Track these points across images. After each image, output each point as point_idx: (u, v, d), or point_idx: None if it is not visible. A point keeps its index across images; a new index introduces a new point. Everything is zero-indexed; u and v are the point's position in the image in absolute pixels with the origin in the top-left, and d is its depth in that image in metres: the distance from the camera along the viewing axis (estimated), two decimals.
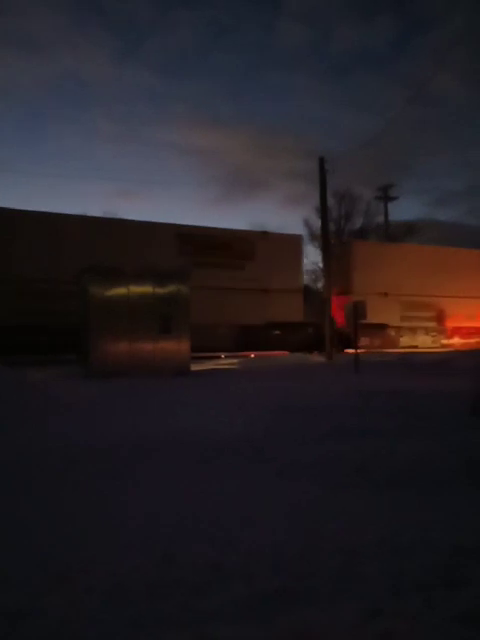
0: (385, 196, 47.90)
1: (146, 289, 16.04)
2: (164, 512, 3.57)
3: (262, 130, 77.74)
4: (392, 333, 30.86)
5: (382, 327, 30.15)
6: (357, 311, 17.19)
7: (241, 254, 27.85)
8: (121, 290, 15.77)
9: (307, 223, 48.28)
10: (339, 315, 30.58)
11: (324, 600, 2.40)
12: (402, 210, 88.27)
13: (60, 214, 24.49)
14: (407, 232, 47.00)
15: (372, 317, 29.86)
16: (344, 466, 4.71)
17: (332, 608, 2.33)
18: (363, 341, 29.16)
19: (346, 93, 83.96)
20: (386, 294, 29.98)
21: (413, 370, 15.63)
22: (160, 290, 16.17)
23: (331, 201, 35.73)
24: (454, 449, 5.35)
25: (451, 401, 8.80)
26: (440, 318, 32.05)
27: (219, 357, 23.53)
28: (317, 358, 22.43)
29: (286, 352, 25.57)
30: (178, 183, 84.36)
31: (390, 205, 48.32)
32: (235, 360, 22.41)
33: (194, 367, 16.46)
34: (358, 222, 48.13)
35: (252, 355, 25.01)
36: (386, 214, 48.23)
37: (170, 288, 16.31)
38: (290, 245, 28.04)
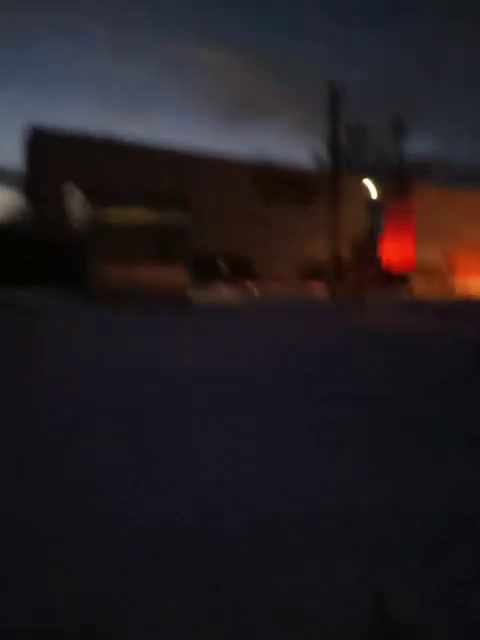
0: (398, 131, 46.21)
1: (147, 215, 15.70)
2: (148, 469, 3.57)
3: (271, 51, 73.72)
4: (447, 279, 31.87)
5: (438, 272, 31.08)
6: (361, 251, 16.95)
7: (313, 192, 28.87)
8: (122, 216, 15.43)
9: (316, 156, 46.88)
10: (397, 256, 31.47)
11: (321, 558, 2.41)
12: (414, 146, 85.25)
13: (135, 143, 24.83)
14: (419, 170, 45.70)
15: (431, 261, 31.01)
16: (338, 419, 4.71)
17: (329, 566, 2.34)
18: (419, 284, 30.11)
19: (358, 15, 79.19)
20: (444, 239, 30.93)
21: (420, 315, 15.62)
22: (162, 217, 15.84)
23: (342, 134, 34.42)
24: (449, 407, 5.35)
25: (446, 349, 8.78)
26: None
27: (220, 289, 23.46)
28: (321, 296, 22.36)
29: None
30: (180, 102, 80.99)
31: (403, 142, 46.70)
32: (235, 293, 22.35)
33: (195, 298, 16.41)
34: (369, 157, 46.66)
35: (254, 290, 24.94)
36: (399, 150, 46.72)
37: (171, 214, 15.96)
38: (357, 184, 28.49)
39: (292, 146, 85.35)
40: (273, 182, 27.73)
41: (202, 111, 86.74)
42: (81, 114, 75.09)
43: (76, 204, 16.84)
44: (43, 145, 22.54)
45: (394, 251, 31.67)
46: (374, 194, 36.74)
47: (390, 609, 2.05)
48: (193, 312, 14.13)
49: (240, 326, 11.78)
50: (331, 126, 23.09)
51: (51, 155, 22.26)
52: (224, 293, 22.76)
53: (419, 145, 66.86)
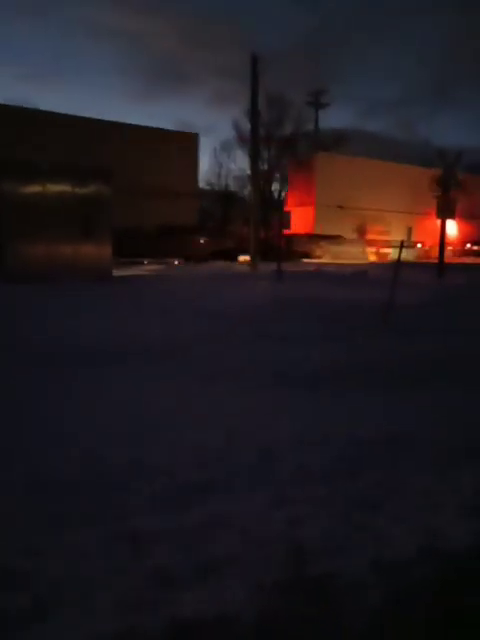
0: (316, 102, 46.71)
1: (65, 188, 15.12)
2: (80, 414, 3.61)
3: (191, 16, 71.44)
4: None
5: None
6: (282, 222, 17.28)
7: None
8: (37, 188, 14.77)
9: (236, 126, 46.68)
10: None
11: (240, 491, 2.56)
12: (332, 118, 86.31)
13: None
14: (336, 141, 46.56)
15: None
16: (264, 369, 4.91)
17: (246, 497, 2.49)
18: None
19: None
20: None
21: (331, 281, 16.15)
22: (80, 190, 15.31)
23: (262, 105, 34.41)
24: (362, 354, 5.70)
25: (363, 311, 9.24)
26: None
27: (142, 263, 23.11)
28: (241, 267, 22.55)
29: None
30: (97, 71, 77.32)
31: (320, 113, 47.38)
32: (159, 267, 22.13)
33: (117, 273, 16.13)
34: (288, 128, 46.99)
35: (176, 262, 24.77)
36: (317, 122, 47.32)
37: (91, 188, 15.46)
38: None
39: (213, 116, 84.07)
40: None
41: (120, 79, 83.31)
42: None
43: None
44: None
45: None
46: None
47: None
48: (113, 286, 13.91)
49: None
50: (251, 96, 23.01)
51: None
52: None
53: (341, 116, 67.71)
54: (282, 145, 42.99)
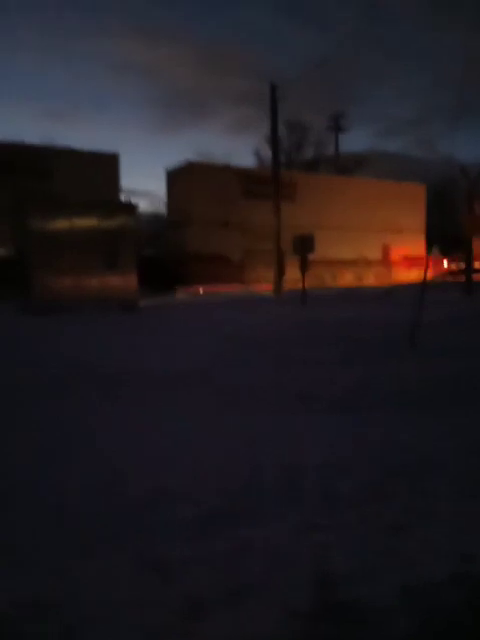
0: (336, 126, 47.18)
1: (91, 222, 15.52)
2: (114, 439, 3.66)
3: (207, 46, 72.78)
4: None
5: None
6: (305, 245, 17.33)
7: None
8: (64, 222, 15.19)
9: (257, 153, 47.38)
10: None
11: (266, 516, 2.55)
12: (352, 141, 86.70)
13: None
14: (357, 164, 46.82)
15: None
16: (288, 392, 4.90)
17: (273, 523, 2.48)
18: None
19: (297, 5, 79.52)
20: None
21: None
22: (106, 223, 15.68)
23: (282, 131, 34.94)
24: (388, 377, 5.64)
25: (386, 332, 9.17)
26: None
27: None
28: (264, 293, 22.61)
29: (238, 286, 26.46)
30: (116, 105, 79.23)
31: (340, 136, 47.80)
32: (184, 296, 22.36)
33: (142, 302, 16.34)
34: (309, 153, 47.51)
35: (201, 290, 24.98)
36: (337, 145, 47.73)
37: (117, 221, 15.83)
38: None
39: (232, 144, 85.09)
40: None
41: (138, 112, 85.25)
42: (14, 120, 71.94)
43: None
44: None
45: None
46: None
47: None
48: (140, 316, 14.08)
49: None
50: (271, 125, 23.37)
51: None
52: None
53: (360, 139, 67.97)
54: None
